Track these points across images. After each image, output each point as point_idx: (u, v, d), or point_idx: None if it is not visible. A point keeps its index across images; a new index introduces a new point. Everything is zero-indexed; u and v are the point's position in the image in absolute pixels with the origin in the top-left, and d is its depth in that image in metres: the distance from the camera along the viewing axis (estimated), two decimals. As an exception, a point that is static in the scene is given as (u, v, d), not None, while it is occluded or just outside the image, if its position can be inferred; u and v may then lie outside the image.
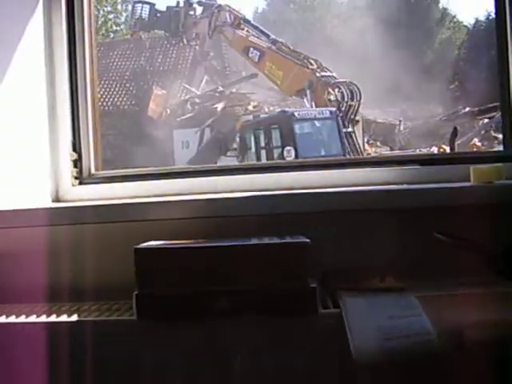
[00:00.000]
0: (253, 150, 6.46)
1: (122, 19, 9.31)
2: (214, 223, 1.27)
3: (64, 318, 1.08)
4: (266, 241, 1.06)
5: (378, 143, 8.04)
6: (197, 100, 7.62)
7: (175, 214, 1.26)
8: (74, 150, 1.57)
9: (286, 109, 6.37)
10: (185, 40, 7.56)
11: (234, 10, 6.94)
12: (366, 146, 7.51)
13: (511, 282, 1.09)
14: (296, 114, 6.08)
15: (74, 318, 1.08)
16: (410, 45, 8.32)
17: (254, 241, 1.07)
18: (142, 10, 7.97)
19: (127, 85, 8.31)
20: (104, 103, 8.02)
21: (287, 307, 1.01)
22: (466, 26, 9.05)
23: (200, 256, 1.03)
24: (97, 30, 7.93)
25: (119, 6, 9.25)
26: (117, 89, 8.22)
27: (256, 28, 6.85)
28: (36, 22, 1.51)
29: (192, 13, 7.35)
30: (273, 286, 1.01)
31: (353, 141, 6.10)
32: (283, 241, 1.05)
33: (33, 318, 1.09)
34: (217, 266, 1.02)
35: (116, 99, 8.16)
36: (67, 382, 1.02)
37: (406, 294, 1.06)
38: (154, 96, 7.70)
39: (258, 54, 6.67)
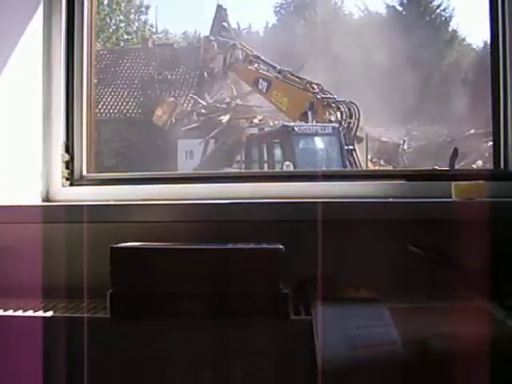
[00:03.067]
0: (257, 163, 6.53)
1: (134, 27, 9.41)
2: (198, 227, 1.29)
3: (40, 313, 1.10)
4: (241, 246, 1.08)
5: (382, 161, 8.04)
6: (203, 111, 7.69)
7: (156, 216, 1.28)
8: (67, 151, 1.59)
9: (288, 123, 6.43)
10: (205, 74, 7.92)
11: (245, 47, 7.33)
12: (370, 163, 7.52)
13: (484, 297, 1.10)
14: (296, 128, 6.13)
15: (49, 314, 1.09)
16: (417, 65, 8.34)
17: (229, 245, 1.08)
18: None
19: (135, 93, 8.38)
20: (111, 110, 8.09)
21: (258, 311, 1.02)
22: (474, 49, 9.07)
23: (173, 258, 1.05)
24: (97, 35, 8.08)
25: (132, 16, 9.35)
26: (124, 96, 8.29)
27: (263, 61, 7.15)
28: (35, 24, 1.54)
29: (210, 49, 7.74)
30: (245, 290, 1.02)
31: (353, 158, 6.14)
32: (257, 246, 1.07)
33: (9, 312, 1.11)
34: (190, 268, 1.03)
35: (123, 107, 8.23)
36: (41, 376, 1.03)
37: (377, 305, 1.08)
38: (162, 103, 7.83)
39: (266, 84, 6.98)
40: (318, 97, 6.45)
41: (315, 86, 6.64)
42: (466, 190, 1.27)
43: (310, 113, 6.37)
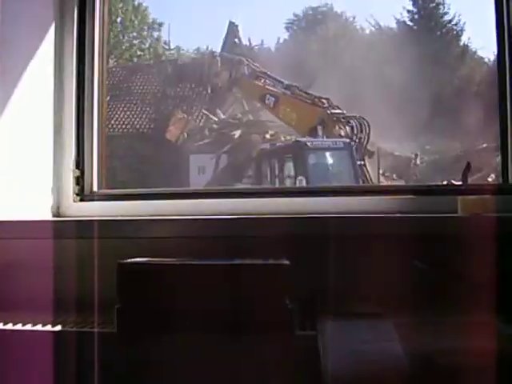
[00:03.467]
0: (268, 178, 6.55)
1: (147, 45, 9.52)
2: (207, 243, 1.30)
3: (48, 327, 1.11)
4: (247, 261, 1.09)
5: (394, 176, 8.02)
6: (215, 126, 7.73)
7: (165, 232, 1.30)
8: (78, 167, 1.61)
9: (300, 139, 6.45)
10: (209, 89, 7.98)
11: (251, 62, 7.37)
12: (382, 178, 7.50)
13: (490, 312, 1.09)
14: (309, 144, 6.14)
15: (58, 328, 1.11)
16: (429, 79, 8.34)
17: (235, 261, 1.09)
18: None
19: (147, 108, 8.45)
20: (124, 126, 8.16)
21: (264, 326, 1.03)
22: (485, 63, 9.04)
23: (179, 274, 1.06)
24: (109, 52, 8.20)
25: (145, 32, 9.46)
26: (137, 112, 8.36)
27: (270, 77, 7.18)
28: (47, 42, 1.57)
29: (214, 64, 7.79)
30: (250, 305, 1.03)
31: (364, 173, 6.14)
32: (262, 262, 1.08)
33: (19, 326, 1.12)
34: (196, 284, 1.04)
35: (136, 122, 8.29)
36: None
37: (383, 320, 1.08)
38: (174, 119, 7.89)
39: (273, 99, 7.01)
40: (328, 112, 6.47)
41: (324, 101, 6.67)
42: (473, 205, 1.27)
43: (320, 128, 6.39)
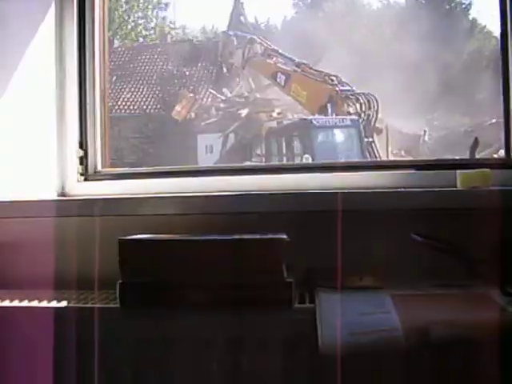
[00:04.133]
0: (276, 156, 6.55)
1: (152, 24, 9.47)
2: (209, 219, 1.32)
3: (53, 304, 1.14)
4: (246, 236, 1.10)
5: (403, 152, 7.99)
6: (222, 105, 7.72)
7: (166, 209, 1.31)
8: (81, 147, 1.63)
9: (307, 117, 6.44)
10: (224, 69, 7.96)
11: (264, 41, 7.32)
12: (391, 155, 7.47)
13: (488, 284, 1.10)
14: (315, 121, 6.13)
15: (63, 304, 1.13)
16: (438, 55, 8.24)
17: (235, 236, 1.11)
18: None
19: (154, 89, 8.44)
20: (131, 106, 8.15)
21: (262, 299, 1.05)
22: (494, 37, 8.92)
23: (179, 249, 1.08)
24: (113, 32, 8.18)
25: (149, 12, 9.40)
26: (144, 92, 8.34)
27: (282, 55, 7.14)
28: (48, 23, 1.58)
29: (229, 43, 7.76)
30: (249, 279, 1.05)
31: (373, 150, 6.11)
32: (261, 237, 1.09)
33: (25, 303, 1.15)
34: (195, 259, 1.07)
35: (142, 103, 8.28)
36: (52, 363, 1.07)
37: (380, 293, 1.09)
38: (181, 99, 7.89)
39: (284, 77, 7.00)
40: (337, 89, 6.44)
41: (334, 79, 6.64)
42: (471, 179, 1.27)
43: (329, 105, 6.37)
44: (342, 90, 6.36)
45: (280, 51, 7.25)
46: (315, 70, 6.83)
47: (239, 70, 7.68)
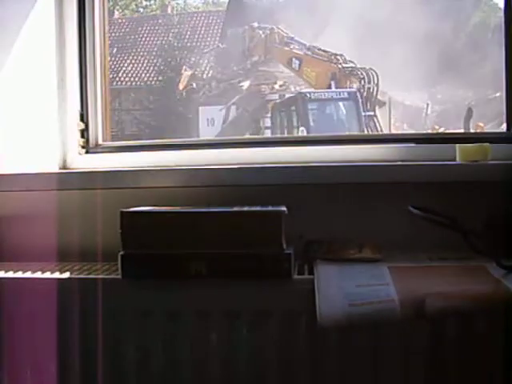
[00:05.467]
0: (278, 130, 6.60)
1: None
2: (209, 192, 1.33)
3: (56, 275, 1.16)
4: (245, 208, 1.12)
5: (405, 126, 7.96)
6: (223, 77, 7.70)
7: (167, 182, 1.32)
8: (82, 120, 1.63)
9: (303, 90, 6.48)
10: (248, 64, 7.95)
11: (281, 29, 7.42)
12: (393, 128, 7.46)
13: (485, 257, 1.12)
14: (309, 95, 6.16)
15: (65, 275, 1.15)
16: (442, 28, 8.15)
17: (235, 208, 1.12)
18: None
19: (155, 60, 8.39)
20: (132, 79, 8.11)
21: (262, 271, 1.07)
22: (500, 9, 8.80)
23: (181, 221, 1.10)
24: (115, 2, 8.12)
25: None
26: (144, 65, 8.30)
27: (297, 41, 7.28)
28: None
29: (255, 37, 7.76)
30: (249, 251, 1.07)
31: (374, 124, 6.12)
32: (260, 209, 1.11)
33: (28, 274, 1.17)
34: (196, 231, 1.08)
35: (143, 75, 8.25)
36: (55, 334, 1.10)
37: (378, 265, 1.11)
38: (184, 71, 7.90)
39: (298, 62, 7.11)
40: (340, 66, 6.48)
41: (339, 58, 6.68)
42: (471, 153, 1.28)
43: (333, 83, 6.42)
44: (344, 67, 6.41)
45: (295, 38, 7.30)
46: (323, 51, 6.88)
47: (262, 62, 7.70)
